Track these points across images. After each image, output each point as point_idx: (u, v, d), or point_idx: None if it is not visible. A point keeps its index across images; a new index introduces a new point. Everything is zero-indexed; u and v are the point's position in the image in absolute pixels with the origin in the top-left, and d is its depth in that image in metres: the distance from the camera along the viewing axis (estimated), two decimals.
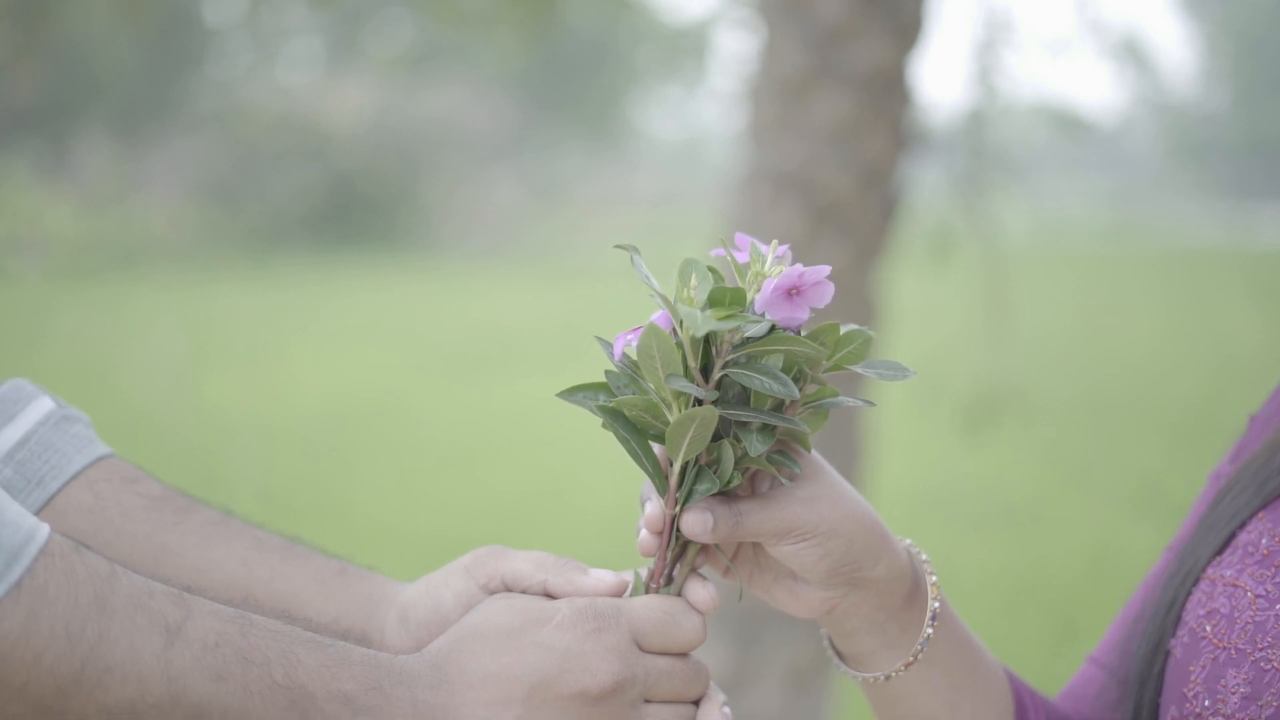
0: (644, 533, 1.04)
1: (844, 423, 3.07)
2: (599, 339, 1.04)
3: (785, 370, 1.00)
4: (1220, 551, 1.08)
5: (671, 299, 1.00)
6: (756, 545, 1.06)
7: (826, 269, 0.99)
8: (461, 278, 18.19)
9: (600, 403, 1.03)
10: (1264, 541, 1.04)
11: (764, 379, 0.97)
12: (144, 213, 19.85)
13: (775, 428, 1.00)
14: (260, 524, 1.27)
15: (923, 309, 10.78)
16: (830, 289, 0.99)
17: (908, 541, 1.09)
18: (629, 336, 0.99)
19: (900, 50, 2.95)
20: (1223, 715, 0.98)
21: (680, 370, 0.97)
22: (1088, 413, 9.94)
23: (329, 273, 18.14)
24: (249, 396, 10.19)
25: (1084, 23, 4.98)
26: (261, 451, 8.45)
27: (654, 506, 1.03)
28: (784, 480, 1.01)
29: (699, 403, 0.99)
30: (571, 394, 1.05)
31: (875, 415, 3.30)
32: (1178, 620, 1.07)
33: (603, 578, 1.11)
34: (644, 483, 1.06)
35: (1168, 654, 1.07)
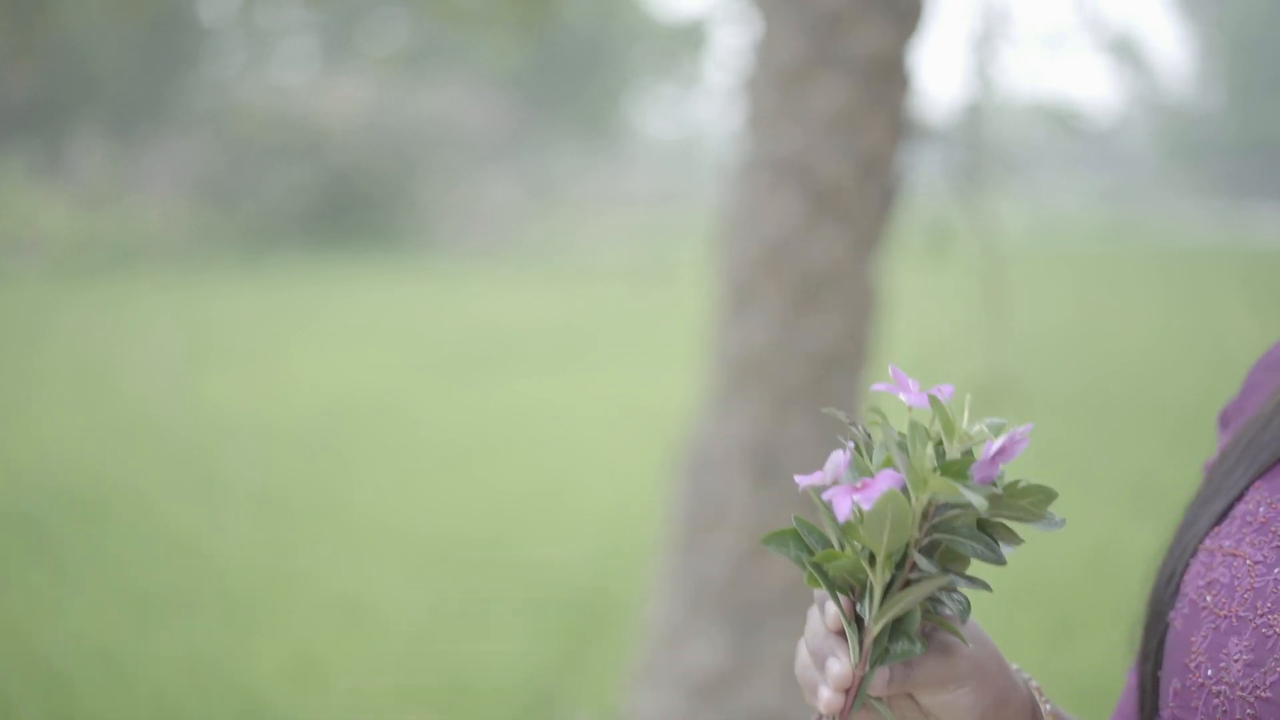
0: (828, 692, 1.00)
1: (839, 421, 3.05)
2: (814, 491, 1.00)
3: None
4: (1218, 523, 1.07)
5: (885, 446, 0.98)
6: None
7: (1028, 427, 0.99)
8: (457, 277, 18.17)
9: (795, 553, 1.03)
10: (1261, 510, 1.04)
11: (975, 545, 0.97)
12: (140, 212, 19.83)
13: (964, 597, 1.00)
14: None
15: (920, 304, 10.77)
16: (1025, 445, 0.99)
17: (1015, 666, 1.08)
18: (857, 495, 0.98)
19: (899, 38, 2.93)
20: (1226, 684, 0.98)
21: (908, 533, 0.96)
22: (1085, 410, 9.92)
23: (325, 272, 18.12)
24: (246, 396, 10.17)
25: (1082, 19, 4.97)
26: (258, 451, 8.43)
27: (842, 666, 0.99)
28: (963, 640, 1.00)
29: (908, 565, 0.98)
30: (769, 541, 1.05)
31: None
32: (1176, 593, 1.07)
33: None
34: (811, 631, 1.03)
35: (1168, 626, 1.06)
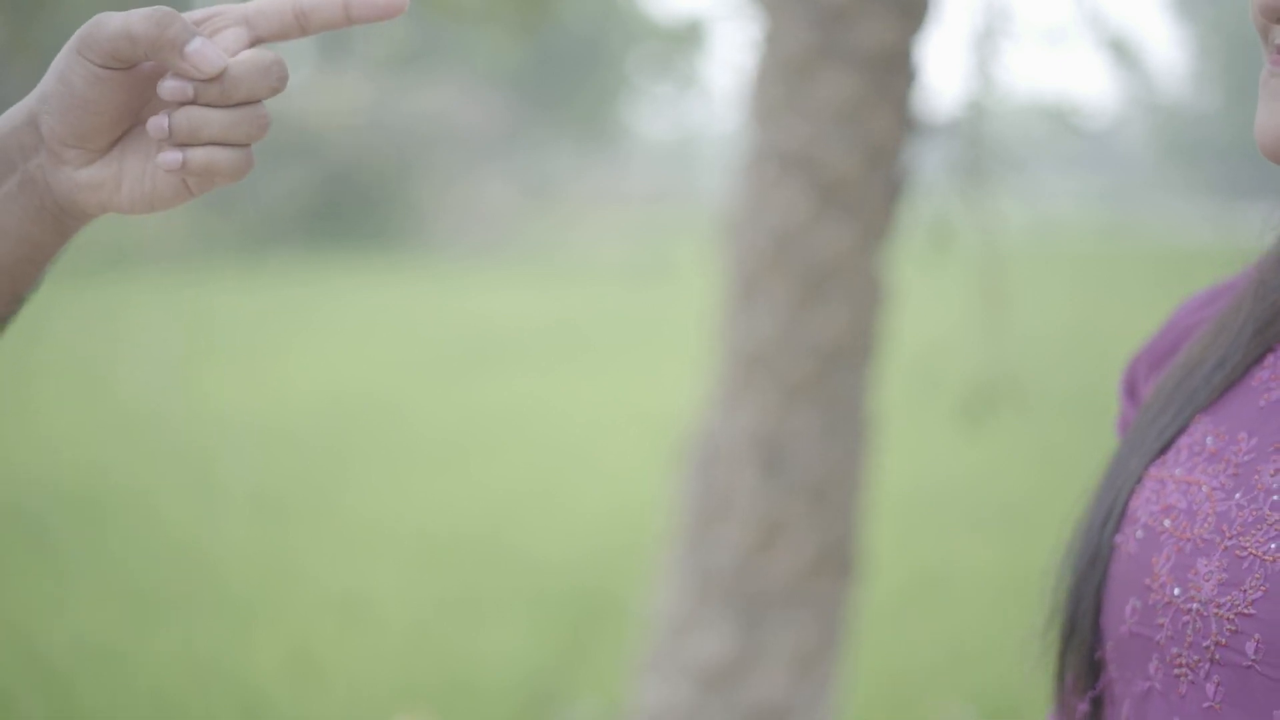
0: None
1: (846, 414, 3.05)
2: None
3: None
4: (1161, 455, 1.03)
5: None
6: None
7: None
8: (454, 276, 18.17)
9: None
10: (1209, 440, 1.00)
11: None
12: None
13: None
14: None
15: (921, 302, 10.77)
16: None
17: None
18: None
19: (905, 30, 2.93)
20: (1198, 601, 0.94)
21: None
22: (1084, 410, 9.92)
23: (321, 271, 18.11)
24: (243, 395, 10.16)
25: (1081, 15, 4.97)
26: (256, 450, 8.42)
27: None
28: None
29: None
30: None
31: (875, 409, 3.28)
32: (1120, 520, 1.03)
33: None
34: None
35: (1113, 550, 1.03)
